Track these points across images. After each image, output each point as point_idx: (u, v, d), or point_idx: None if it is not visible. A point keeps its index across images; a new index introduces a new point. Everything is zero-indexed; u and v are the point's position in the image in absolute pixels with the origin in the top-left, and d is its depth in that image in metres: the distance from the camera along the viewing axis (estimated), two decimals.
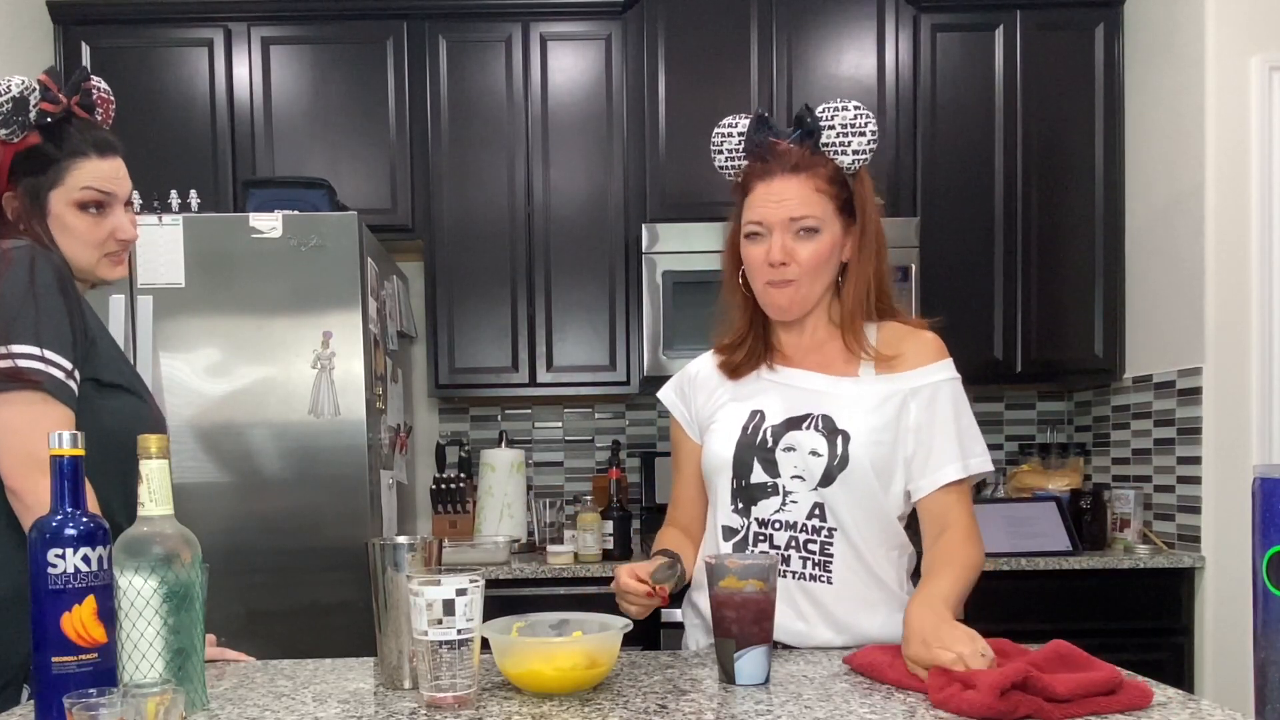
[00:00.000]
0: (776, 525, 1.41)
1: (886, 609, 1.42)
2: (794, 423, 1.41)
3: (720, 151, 1.47)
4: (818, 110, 1.40)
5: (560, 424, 3.49)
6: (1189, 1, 2.82)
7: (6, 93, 1.36)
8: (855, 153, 1.39)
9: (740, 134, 1.45)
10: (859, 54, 3.09)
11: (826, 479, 1.38)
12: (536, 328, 3.13)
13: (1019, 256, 3.11)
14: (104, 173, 1.41)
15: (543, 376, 3.13)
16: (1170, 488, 2.92)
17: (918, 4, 3.09)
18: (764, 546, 1.42)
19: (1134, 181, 3.09)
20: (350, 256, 2.49)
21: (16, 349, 1.28)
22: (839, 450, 1.38)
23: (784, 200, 1.38)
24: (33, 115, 1.37)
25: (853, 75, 3.08)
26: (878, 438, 1.39)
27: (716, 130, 1.47)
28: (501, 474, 3.10)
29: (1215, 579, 2.76)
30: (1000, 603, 2.78)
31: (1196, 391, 2.79)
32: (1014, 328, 3.11)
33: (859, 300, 1.43)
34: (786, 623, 1.38)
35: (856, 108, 1.39)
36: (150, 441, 1.02)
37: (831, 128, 1.39)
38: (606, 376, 3.14)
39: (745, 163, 1.45)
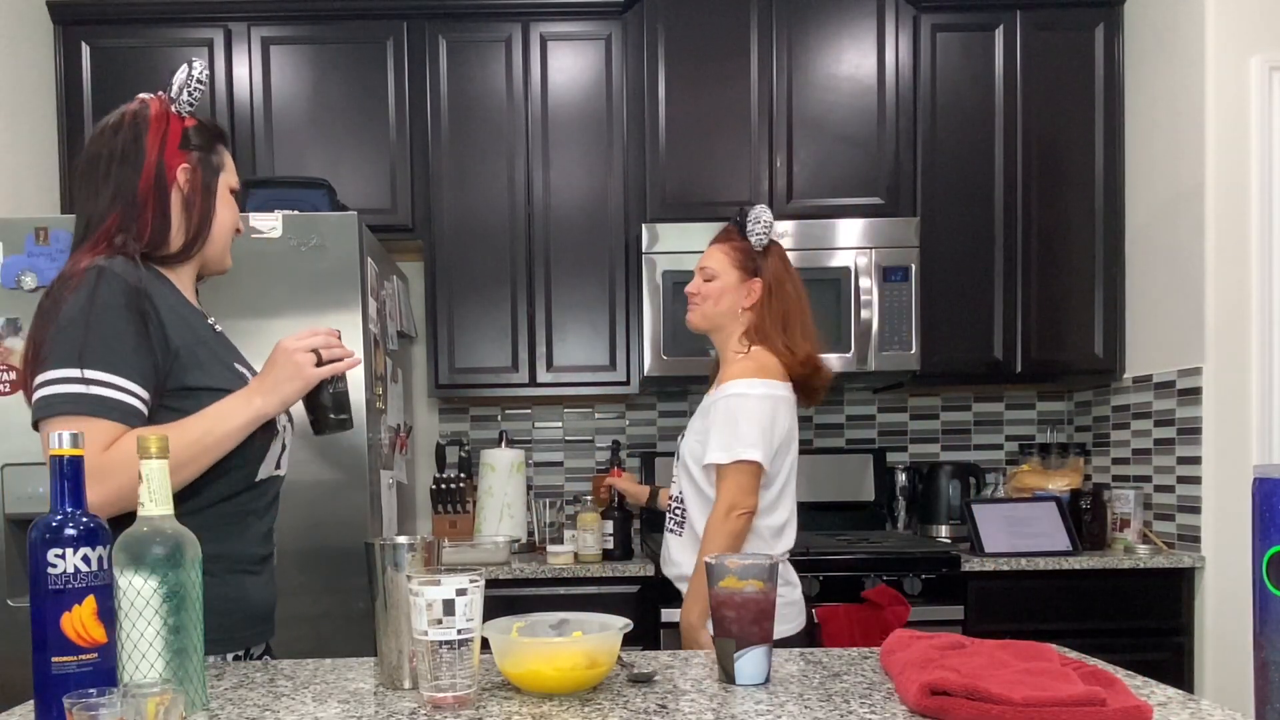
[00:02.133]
0: (671, 497, 2.20)
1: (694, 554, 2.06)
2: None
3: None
4: (747, 213, 2.12)
5: (560, 424, 3.49)
6: (1189, 1, 2.83)
7: (204, 68, 1.45)
8: (756, 235, 2.10)
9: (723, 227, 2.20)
10: (859, 54, 3.09)
11: (680, 467, 2.15)
12: (536, 328, 3.13)
13: (1019, 256, 3.11)
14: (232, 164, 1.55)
15: (543, 376, 3.13)
16: (1170, 488, 2.92)
17: (918, 4, 3.09)
18: (673, 511, 2.18)
19: (1134, 181, 3.09)
20: (350, 256, 2.49)
21: (54, 374, 1.30)
22: (680, 448, 2.17)
23: (705, 256, 2.14)
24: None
25: (853, 75, 3.08)
26: (698, 437, 2.07)
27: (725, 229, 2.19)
28: (501, 474, 3.10)
29: (1215, 579, 2.76)
30: (1000, 603, 2.79)
31: (1196, 391, 2.79)
32: (1014, 328, 3.11)
33: (782, 333, 2.07)
34: (664, 562, 2.21)
35: (760, 209, 2.10)
36: (150, 442, 1.02)
37: (746, 219, 2.11)
38: (606, 376, 3.14)
39: None
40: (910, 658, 1.15)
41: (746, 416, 1.97)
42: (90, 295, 1.32)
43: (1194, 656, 2.80)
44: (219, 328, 1.56)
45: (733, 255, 2.10)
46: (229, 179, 1.51)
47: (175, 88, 1.45)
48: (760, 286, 2.09)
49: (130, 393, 1.32)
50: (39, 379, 1.31)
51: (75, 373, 1.30)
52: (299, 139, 3.10)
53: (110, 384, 1.31)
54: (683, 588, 2.11)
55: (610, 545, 2.92)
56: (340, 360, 1.44)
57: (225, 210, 1.50)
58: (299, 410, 1.49)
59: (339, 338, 1.46)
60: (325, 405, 1.45)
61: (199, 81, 1.45)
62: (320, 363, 1.41)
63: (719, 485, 1.99)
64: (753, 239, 2.10)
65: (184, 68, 1.45)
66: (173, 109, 1.45)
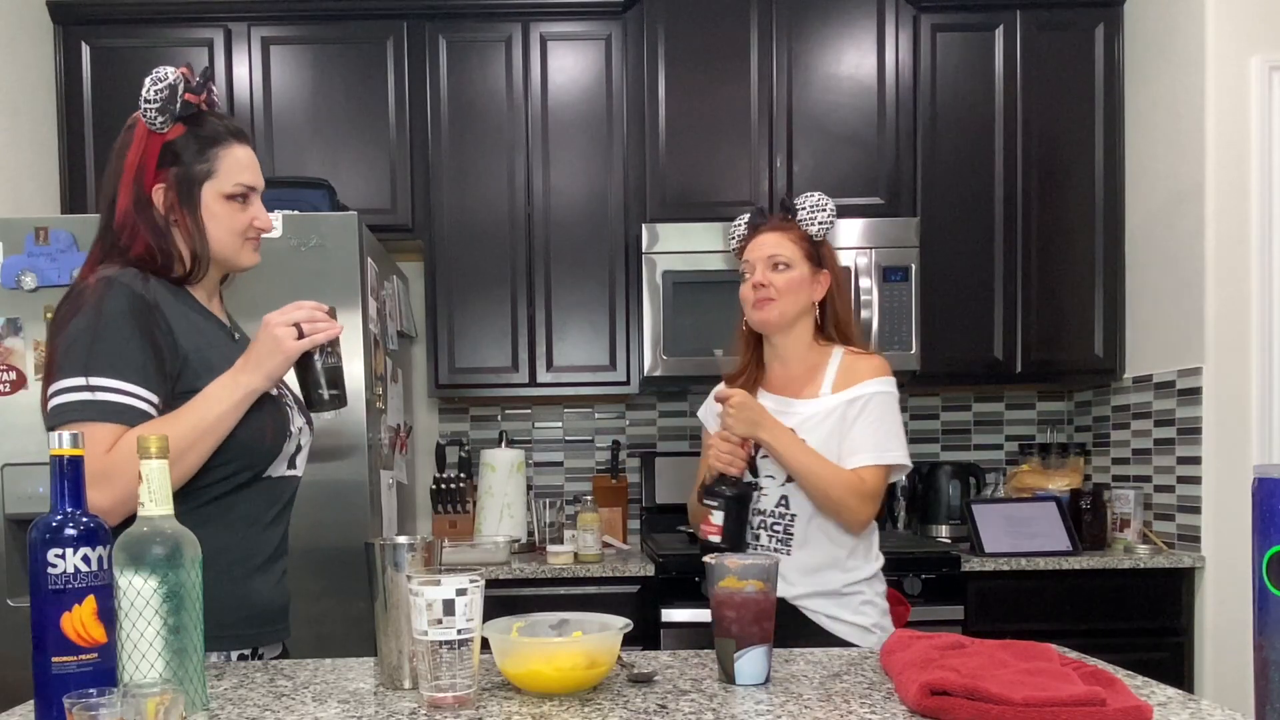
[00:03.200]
0: (754, 512, 1.88)
1: (829, 572, 1.86)
2: None
3: (733, 237, 2.02)
4: (796, 200, 1.92)
5: (560, 424, 3.49)
6: (1189, 2, 2.82)
7: (164, 79, 1.40)
8: (820, 224, 1.90)
9: (747, 224, 1.99)
10: (859, 54, 3.09)
11: (789, 477, 1.84)
12: (536, 328, 3.13)
13: (1019, 256, 3.11)
14: (246, 162, 1.48)
15: (543, 376, 3.13)
16: (1170, 488, 2.92)
17: (918, 4, 3.09)
18: (771, 530, 1.88)
19: (1134, 181, 3.09)
20: (350, 256, 2.49)
21: (63, 384, 1.33)
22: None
23: (765, 244, 1.90)
24: (179, 106, 1.42)
25: (853, 75, 3.08)
26: (827, 445, 1.81)
27: (733, 225, 2.03)
28: (501, 474, 3.10)
29: (1215, 579, 2.76)
30: (1000, 603, 2.79)
31: (1196, 391, 2.79)
32: (1014, 328, 3.11)
33: (843, 331, 1.94)
34: None
35: (820, 195, 1.91)
36: (150, 442, 1.02)
37: (803, 208, 1.91)
38: (606, 376, 3.14)
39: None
40: (910, 658, 1.15)
41: (896, 418, 1.85)
42: (97, 307, 1.36)
43: (1194, 656, 2.80)
44: (237, 335, 1.58)
45: (801, 245, 1.88)
46: (221, 184, 1.45)
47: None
48: (828, 279, 1.91)
49: (137, 396, 1.35)
50: (50, 390, 1.35)
51: (81, 381, 1.33)
52: (299, 139, 3.10)
53: (116, 389, 1.33)
54: (807, 605, 1.85)
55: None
56: (321, 335, 1.42)
57: (215, 222, 1.46)
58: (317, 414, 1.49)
59: (331, 312, 1.45)
60: (315, 381, 1.43)
61: (147, 101, 1.40)
62: (302, 337, 1.41)
63: (865, 477, 1.80)
64: (813, 229, 1.90)
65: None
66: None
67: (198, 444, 1.35)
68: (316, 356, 1.43)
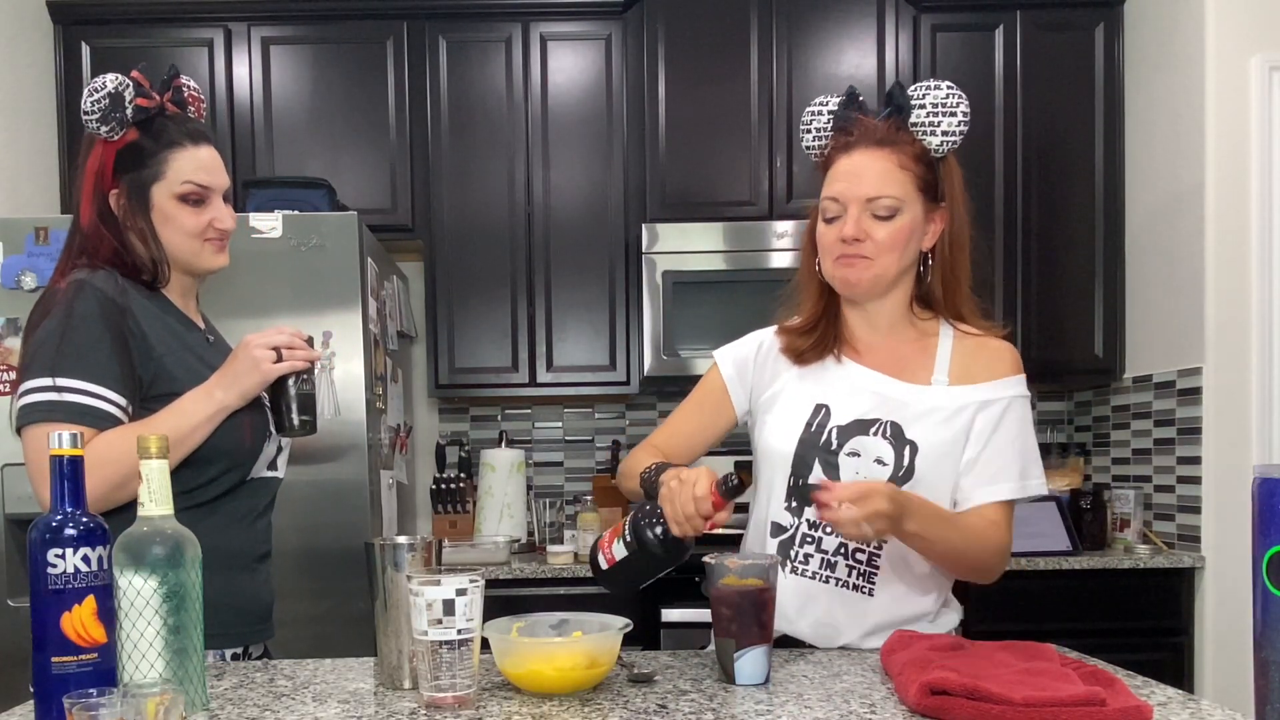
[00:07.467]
0: (828, 529, 1.37)
1: (920, 625, 1.40)
2: (861, 426, 1.38)
3: (809, 130, 1.45)
4: (910, 89, 1.38)
5: (560, 424, 3.49)
6: (1189, 2, 2.82)
7: (101, 89, 1.40)
8: (944, 134, 1.35)
9: (830, 111, 1.44)
10: (859, 54, 3.09)
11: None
12: (536, 328, 3.13)
13: (1019, 256, 3.10)
14: (202, 162, 1.47)
15: (543, 376, 3.13)
16: (1170, 488, 2.92)
17: (918, 4, 3.09)
18: (810, 549, 1.39)
19: (1134, 181, 3.09)
20: (350, 256, 2.49)
21: (29, 384, 1.35)
22: (905, 461, 1.35)
23: (863, 175, 1.35)
24: (129, 112, 1.42)
25: (853, 75, 3.08)
26: (945, 451, 1.36)
27: (807, 109, 1.46)
28: (501, 474, 3.10)
29: (1215, 579, 2.76)
30: (1000, 603, 2.78)
31: (1196, 391, 2.79)
32: (1014, 328, 3.10)
33: (951, 296, 1.42)
34: (816, 627, 1.40)
35: (949, 87, 1.36)
36: (150, 441, 1.02)
37: (922, 106, 1.36)
38: (606, 376, 3.14)
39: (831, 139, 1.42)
40: (910, 658, 1.15)
41: (1033, 430, 1.42)
42: (67, 309, 1.37)
43: (1194, 656, 2.80)
44: (211, 338, 1.59)
45: (915, 170, 1.36)
46: (170, 185, 1.44)
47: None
48: (945, 219, 1.40)
49: (103, 398, 1.36)
50: (19, 389, 1.37)
51: (48, 381, 1.34)
52: (299, 139, 3.10)
53: (82, 390, 1.35)
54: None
55: None
56: (299, 360, 1.43)
57: (170, 224, 1.45)
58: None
59: (310, 341, 1.47)
60: (288, 405, 1.45)
61: (86, 113, 1.40)
62: (280, 361, 1.42)
63: (1001, 518, 1.37)
64: (934, 141, 1.36)
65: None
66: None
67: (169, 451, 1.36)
68: (291, 382, 1.44)
